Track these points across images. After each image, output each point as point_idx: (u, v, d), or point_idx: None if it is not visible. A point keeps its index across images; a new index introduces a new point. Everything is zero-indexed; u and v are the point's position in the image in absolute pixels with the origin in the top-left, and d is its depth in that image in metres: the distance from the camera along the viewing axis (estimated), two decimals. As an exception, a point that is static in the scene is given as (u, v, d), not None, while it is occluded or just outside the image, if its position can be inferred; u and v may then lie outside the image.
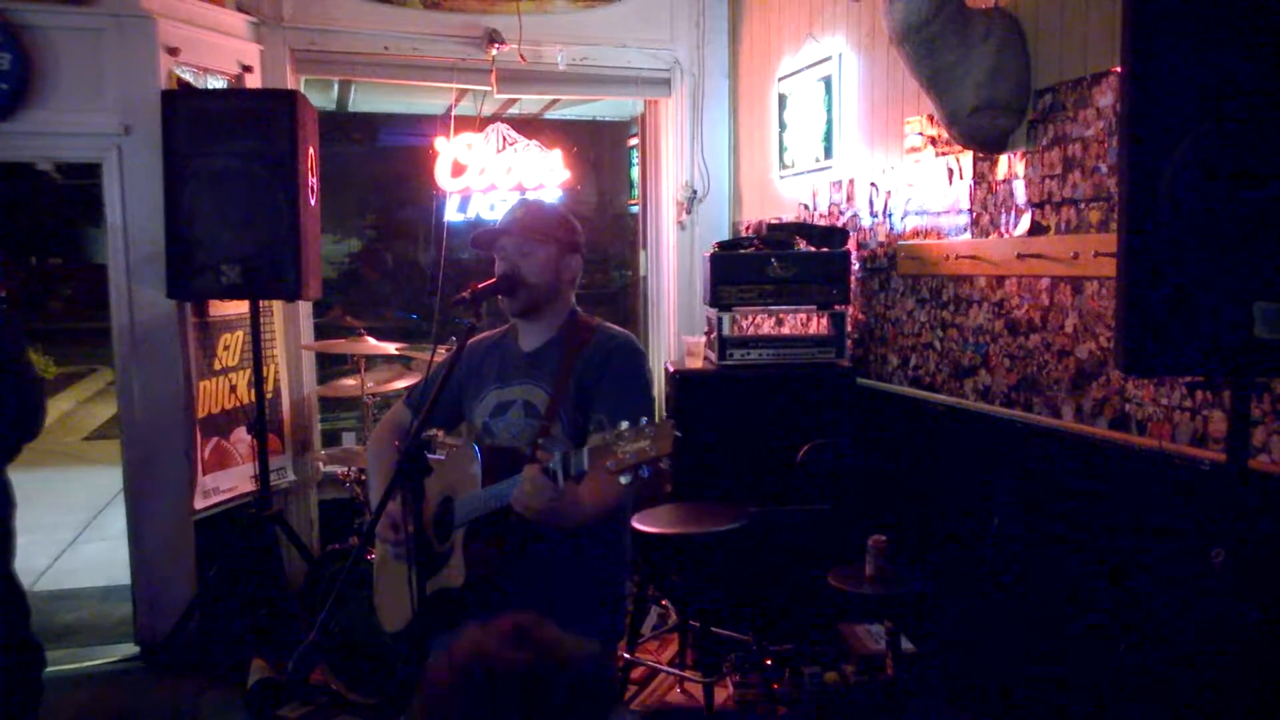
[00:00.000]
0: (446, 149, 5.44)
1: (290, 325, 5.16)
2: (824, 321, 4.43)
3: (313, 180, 4.32)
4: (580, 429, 2.28)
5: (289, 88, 4.91)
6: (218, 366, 4.71)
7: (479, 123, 5.57)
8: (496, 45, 5.26)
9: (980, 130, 3.42)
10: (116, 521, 4.74)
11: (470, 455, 2.24)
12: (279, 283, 4.14)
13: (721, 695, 3.92)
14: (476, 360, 2.54)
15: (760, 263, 4.29)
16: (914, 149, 4.01)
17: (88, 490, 7.88)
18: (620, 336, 2.45)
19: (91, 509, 7.36)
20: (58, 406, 12.54)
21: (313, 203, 4.33)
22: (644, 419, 1.82)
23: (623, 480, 1.84)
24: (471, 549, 2.18)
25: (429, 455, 2.39)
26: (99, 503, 7.43)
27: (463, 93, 5.70)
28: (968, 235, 3.71)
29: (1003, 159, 3.49)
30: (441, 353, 2.55)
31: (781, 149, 5.18)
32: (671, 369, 4.46)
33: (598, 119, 8.17)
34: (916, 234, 4.03)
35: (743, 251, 4.38)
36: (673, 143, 5.89)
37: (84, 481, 8.32)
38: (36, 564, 5.94)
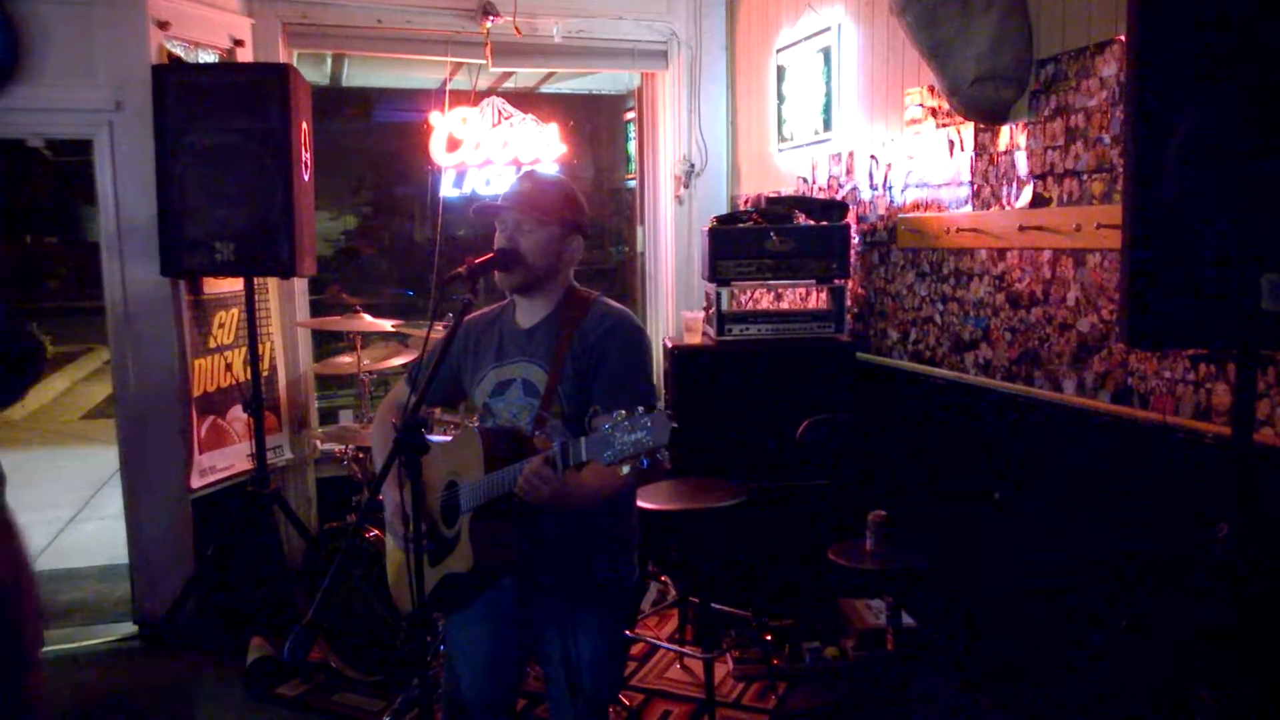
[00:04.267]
0: (441, 124, 5.38)
1: (286, 302, 5.13)
2: (823, 296, 4.40)
3: (306, 155, 4.28)
4: (580, 407, 2.26)
5: (281, 62, 4.85)
6: (213, 344, 4.67)
7: (474, 97, 5.50)
8: (491, 18, 5.20)
9: (981, 101, 3.38)
10: (115, 500, 4.72)
11: (471, 439, 2.23)
12: (273, 259, 4.11)
13: (721, 671, 3.92)
14: (474, 337, 2.51)
15: (759, 237, 4.25)
16: (914, 121, 3.97)
17: (85, 469, 7.86)
18: (616, 313, 2.41)
19: (89, 488, 7.34)
20: (54, 386, 12.51)
21: (306, 178, 4.28)
22: (640, 409, 1.80)
23: (623, 471, 1.83)
24: (478, 534, 2.17)
25: (428, 435, 2.37)
26: (97, 481, 7.41)
27: (457, 67, 5.63)
28: (969, 208, 3.67)
29: (1004, 130, 3.46)
30: (439, 329, 2.52)
31: (780, 122, 5.13)
32: (670, 345, 4.44)
33: (594, 92, 8.09)
34: (917, 207, 4.00)
35: (741, 226, 4.35)
36: (670, 116, 5.84)
37: (82, 460, 8.30)
38: (35, 543, 5.87)
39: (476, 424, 2.43)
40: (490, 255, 2.31)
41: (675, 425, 1.79)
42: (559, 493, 2.01)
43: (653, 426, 1.78)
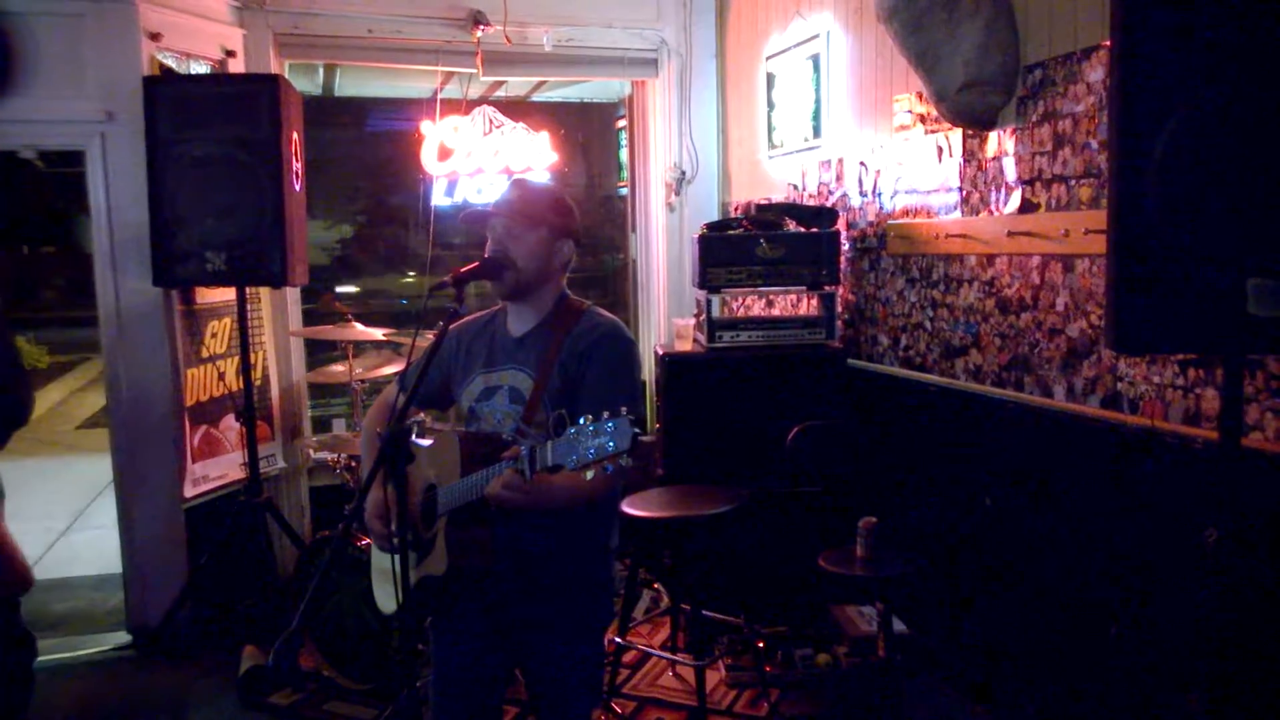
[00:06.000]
0: (432, 132, 5.39)
1: (278, 312, 5.13)
2: (814, 302, 4.40)
3: (297, 165, 4.28)
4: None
5: (272, 72, 4.86)
6: (205, 354, 4.67)
7: (465, 106, 5.52)
8: (481, 27, 5.21)
9: (969, 107, 3.39)
10: (109, 510, 4.72)
11: (451, 443, 2.23)
12: (264, 269, 4.11)
13: (713, 678, 3.92)
14: (466, 342, 2.52)
15: (749, 244, 4.26)
16: (903, 127, 3.98)
17: (80, 479, 7.86)
18: (606, 324, 2.41)
19: (84, 498, 7.33)
20: (50, 396, 12.51)
21: (297, 188, 4.29)
22: (605, 414, 1.80)
23: (587, 476, 1.82)
24: (453, 537, 2.17)
25: (419, 440, 2.38)
26: (92, 491, 7.40)
27: (448, 76, 5.65)
28: (957, 214, 3.68)
29: (992, 136, 3.46)
30: (428, 337, 2.52)
31: (770, 129, 5.14)
32: (661, 352, 4.44)
33: (586, 101, 8.11)
34: (906, 213, 4.00)
35: (731, 233, 4.35)
36: (660, 124, 5.85)
37: (77, 470, 8.29)
38: (29, 553, 5.79)
39: (459, 429, 2.44)
40: (476, 264, 2.31)
41: (638, 431, 1.79)
42: (527, 498, 2.01)
43: (614, 431, 1.78)
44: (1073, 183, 3.09)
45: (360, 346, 4.67)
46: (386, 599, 2.55)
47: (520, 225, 2.34)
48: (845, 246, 4.42)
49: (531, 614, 2.37)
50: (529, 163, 5.55)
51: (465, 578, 2.21)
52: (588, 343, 2.35)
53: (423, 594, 2.27)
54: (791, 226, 4.36)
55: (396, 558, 2.10)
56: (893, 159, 4.06)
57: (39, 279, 21.54)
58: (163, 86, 4.19)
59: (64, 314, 18.06)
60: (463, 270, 2.24)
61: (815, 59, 4.61)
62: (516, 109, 5.96)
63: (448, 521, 2.19)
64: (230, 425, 4.74)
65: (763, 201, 5.00)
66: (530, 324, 2.43)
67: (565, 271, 2.47)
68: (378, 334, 4.48)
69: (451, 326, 2.31)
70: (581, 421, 1.82)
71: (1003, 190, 3.42)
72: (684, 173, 5.78)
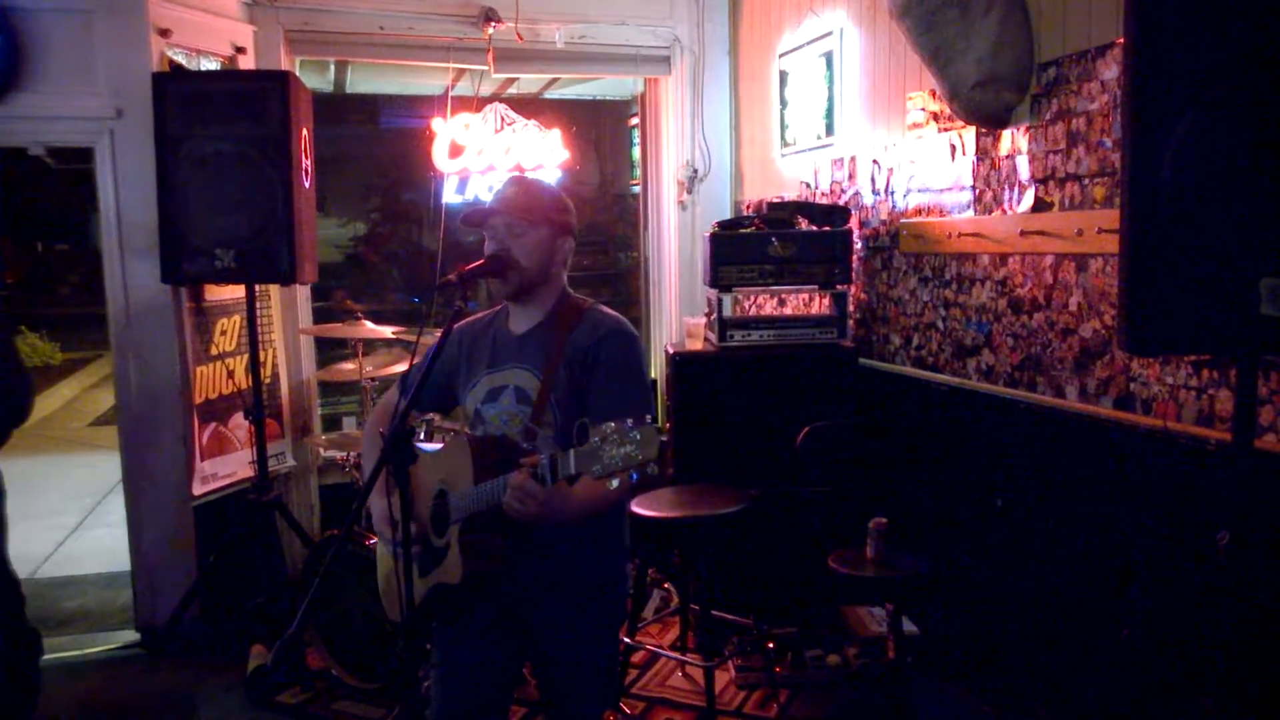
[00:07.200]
0: (444, 130, 5.38)
1: (288, 309, 5.13)
2: (826, 301, 4.38)
3: (307, 162, 4.27)
4: (572, 416, 2.23)
5: (282, 69, 4.86)
6: (215, 352, 4.67)
7: (476, 103, 5.51)
8: (493, 24, 5.20)
9: (983, 105, 3.36)
10: (120, 507, 4.73)
11: (462, 447, 2.20)
12: (273, 267, 4.10)
13: (723, 679, 3.90)
14: (469, 344, 2.50)
15: (761, 242, 4.23)
16: (916, 125, 3.95)
17: (92, 476, 7.87)
18: (610, 321, 2.39)
19: (95, 495, 7.35)
20: (62, 392, 12.55)
21: (307, 185, 4.28)
22: (630, 421, 1.77)
23: (612, 485, 1.80)
24: (468, 545, 2.14)
25: (424, 445, 2.35)
26: (103, 488, 7.42)
27: (460, 73, 5.64)
28: (970, 212, 3.65)
29: (1006, 134, 3.43)
30: (435, 334, 2.51)
31: (783, 127, 5.12)
32: (671, 351, 4.41)
33: (598, 98, 8.10)
34: (919, 212, 3.97)
35: (743, 231, 4.33)
36: (673, 121, 5.83)
37: (88, 467, 8.31)
38: (40, 551, 5.94)
39: (467, 432, 2.41)
40: (481, 261, 2.30)
41: (664, 439, 1.77)
42: (545, 509, 1.99)
43: (641, 440, 1.75)
44: (1087, 181, 3.05)
45: (370, 344, 4.66)
46: (394, 606, 2.51)
47: (521, 223, 2.33)
48: (858, 245, 4.39)
49: (547, 614, 2.35)
50: (540, 160, 5.53)
51: (480, 585, 2.19)
52: (593, 342, 2.32)
53: (436, 603, 2.25)
54: (804, 225, 4.33)
55: (396, 564, 2.07)
56: (905, 157, 4.03)
57: (52, 276, 21.64)
58: (172, 83, 4.18)
59: (78, 310, 18.14)
60: (468, 268, 2.22)
61: (828, 56, 4.58)
62: (528, 106, 5.94)
63: (462, 529, 2.15)
64: (239, 423, 4.74)
65: (775, 200, 4.97)
66: (532, 322, 2.41)
67: (566, 267, 2.46)
68: (387, 332, 4.48)
69: (456, 326, 2.30)
70: (606, 430, 1.79)
71: (1016, 189, 3.39)
72: (696, 170, 5.76)
